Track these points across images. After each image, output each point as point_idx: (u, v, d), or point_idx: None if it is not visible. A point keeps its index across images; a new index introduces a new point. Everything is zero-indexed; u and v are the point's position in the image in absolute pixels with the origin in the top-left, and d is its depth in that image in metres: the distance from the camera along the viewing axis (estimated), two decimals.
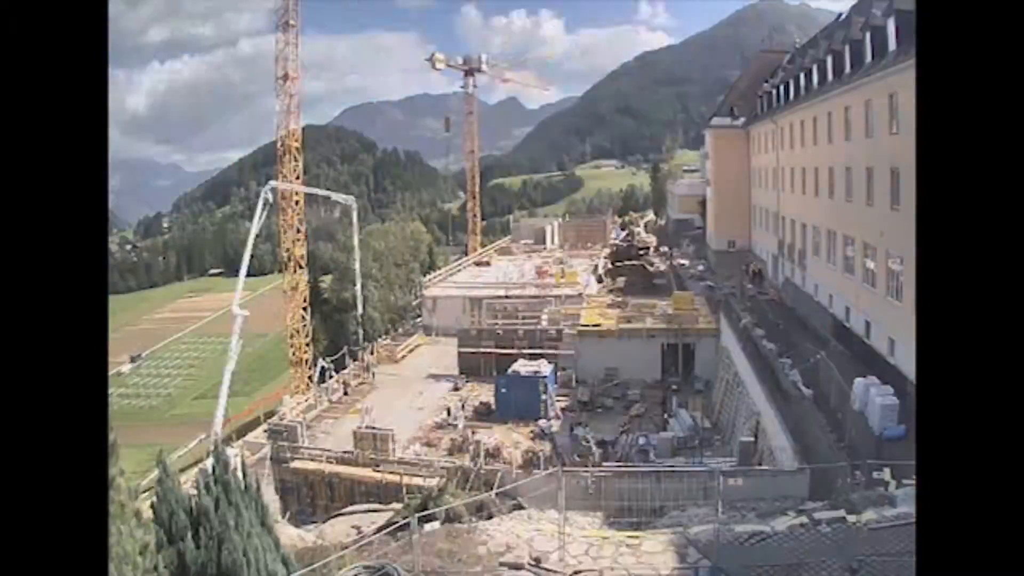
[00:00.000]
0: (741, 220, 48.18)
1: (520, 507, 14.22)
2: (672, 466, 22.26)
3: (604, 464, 22.47)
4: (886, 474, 13.28)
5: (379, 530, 11.78)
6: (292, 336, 44.17)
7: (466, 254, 67.55)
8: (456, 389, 31.72)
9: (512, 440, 25.40)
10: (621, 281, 43.73)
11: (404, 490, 21.52)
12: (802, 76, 33.77)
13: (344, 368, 34.90)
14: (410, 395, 31.55)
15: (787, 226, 36.91)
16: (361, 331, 45.12)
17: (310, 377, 39.43)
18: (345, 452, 24.47)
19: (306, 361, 43.20)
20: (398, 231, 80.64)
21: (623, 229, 68.01)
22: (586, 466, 22.15)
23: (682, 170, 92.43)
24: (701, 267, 48.33)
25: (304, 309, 44.33)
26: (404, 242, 75.44)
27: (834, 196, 28.09)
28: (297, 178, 43.13)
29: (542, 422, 26.73)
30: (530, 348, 32.32)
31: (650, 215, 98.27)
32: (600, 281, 46.19)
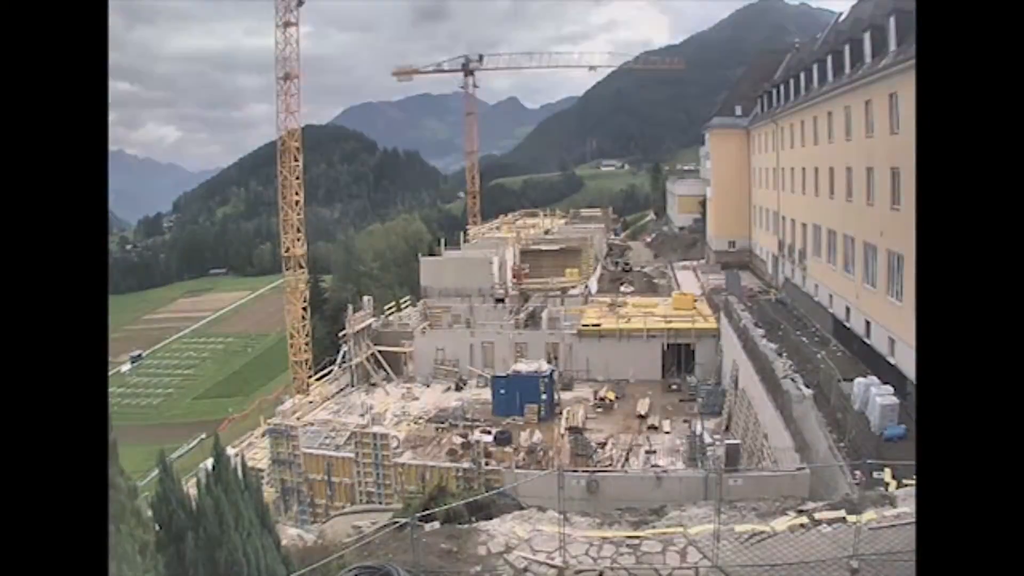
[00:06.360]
0: (741, 220, 48.20)
1: (520, 507, 14.22)
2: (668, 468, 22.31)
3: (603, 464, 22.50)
4: (886, 474, 13.29)
5: (379, 530, 11.79)
6: (292, 336, 44.15)
7: None
8: (458, 388, 31.75)
9: None
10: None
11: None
12: (802, 76, 33.77)
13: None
14: (412, 394, 31.56)
15: (787, 226, 36.92)
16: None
17: (310, 377, 39.42)
18: (345, 453, 24.46)
19: (306, 361, 43.18)
20: (400, 230, 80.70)
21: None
22: (587, 466, 22.18)
23: (682, 170, 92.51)
24: None
25: (304, 309, 44.29)
26: (405, 241, 75.46)
27: (834, 196, 28.10)
28: (297, 178, 43.10)
29: None
30: None
31: (650, 215, 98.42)
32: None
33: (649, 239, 73.97)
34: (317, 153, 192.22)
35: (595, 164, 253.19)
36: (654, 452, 23.52)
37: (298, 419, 27.91)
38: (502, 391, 28.15)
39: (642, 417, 26.97)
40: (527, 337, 33.65)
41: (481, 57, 77.59)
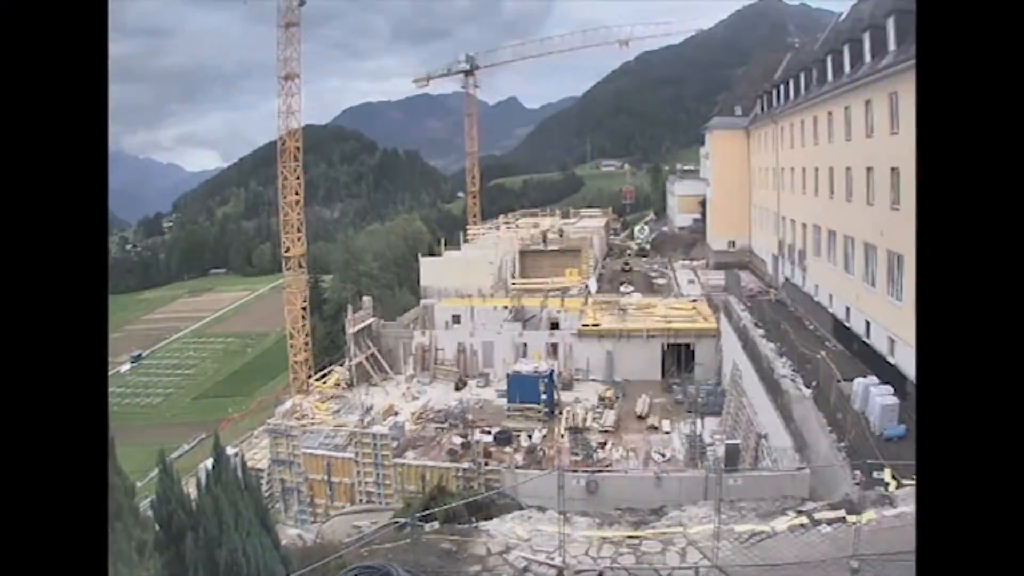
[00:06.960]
0: (741, 220, 48.20)
1: (520, 507, 14.23)
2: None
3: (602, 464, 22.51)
4: (886, 474, 13.29)
5: (379, 530, 11.79)
6: (292, 336, 44.15)
7: None
8: (457, 388, 31.74)
9: None
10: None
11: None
12: (802, 76, 33.77)
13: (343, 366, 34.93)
14: (412, 394, 31.55)
15: (787, 226, 36.92)
16: None
17: (309, 377, 39.43)
18: (345, 453, 24.47)
19: (306, 361, 43.17)
20: (400, 230, 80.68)
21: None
22: (587, 466, 22.19)
23: (682, 170, 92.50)
24: None
25: (304, 309, 44.29)
26: (405, 241, 75.38)
27: (834, 196, 28.09)
28: (297, 178, 43.12)
29: None
30: None
31: (650, 215, 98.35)
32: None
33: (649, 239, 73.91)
34: (317, 153, 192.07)
35: (595, 164, 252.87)
36: (661, 453, 23.50)
37: (298, 419, 27.89)
38: (507, 389, 28.08)
39: (641, 417, 26.96)
40: (527, 337, 33.66)
41: (474, 65, 76.02)
